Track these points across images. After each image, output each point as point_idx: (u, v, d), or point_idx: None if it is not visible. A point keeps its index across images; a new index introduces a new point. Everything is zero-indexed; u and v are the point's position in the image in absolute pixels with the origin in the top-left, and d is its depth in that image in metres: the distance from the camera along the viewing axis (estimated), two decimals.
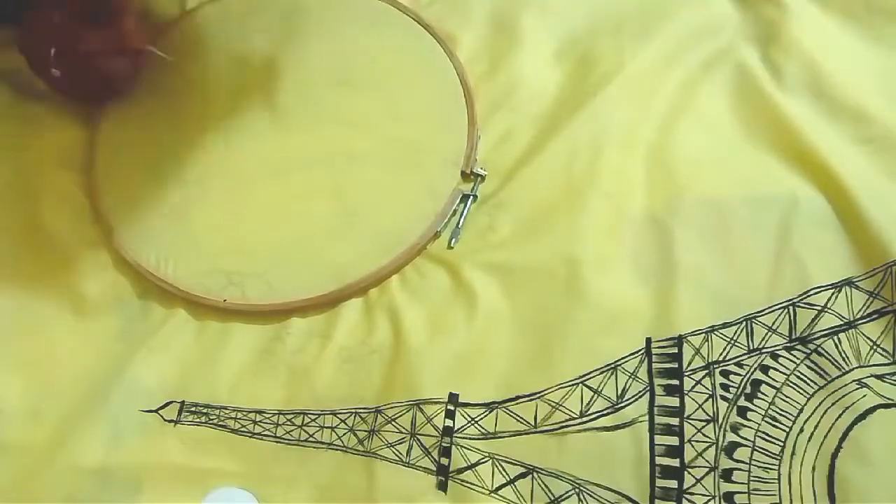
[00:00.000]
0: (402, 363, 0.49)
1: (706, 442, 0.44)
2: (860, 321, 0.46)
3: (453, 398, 0.47)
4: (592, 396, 0.46)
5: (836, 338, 0.45)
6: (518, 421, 0.46)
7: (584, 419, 0.45)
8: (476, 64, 0.61)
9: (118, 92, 0.61)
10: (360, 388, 0.49)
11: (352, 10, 0.65)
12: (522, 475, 0.45)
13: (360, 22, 0.64)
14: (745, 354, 0.46)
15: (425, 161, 0.57)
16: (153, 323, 0.53)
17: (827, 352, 0.45)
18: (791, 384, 0.45)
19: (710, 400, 0.45)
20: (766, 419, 0.44)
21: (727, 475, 0.43)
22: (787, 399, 0.44)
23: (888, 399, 0.43)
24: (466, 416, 0.47)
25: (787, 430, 0.43)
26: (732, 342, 0.46)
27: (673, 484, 0.43)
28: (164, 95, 0.63)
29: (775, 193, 0.51)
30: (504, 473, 0.45)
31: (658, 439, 0.44)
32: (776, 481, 0.42)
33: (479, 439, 0.46)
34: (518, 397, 0.47)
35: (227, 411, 0.50)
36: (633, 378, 0.46)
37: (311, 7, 0.66)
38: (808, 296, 0.47)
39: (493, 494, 0.45)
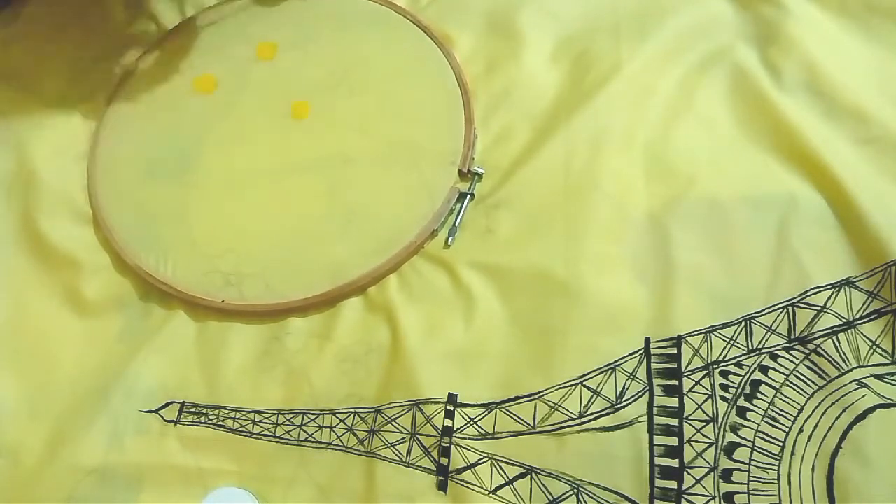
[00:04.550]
0: (401, 363, 0.49)
1: (705, 442, 0.44)
2: (859, 321, 0.45)
3: (452, 398, 0.47)
4: (591, 397, 0.46)
5: (835, 338, 0.45)
6: (517, 421, 0.46)
7: (583, 419, 0.45)
8: (473, 64, 0.61)
9: None
10: (360, 388, 0.49)
11: (349, 12, 0.65)
12: (521, 475, 0.45)
13: (357, 24, 0.64)
14: (744, 355, 0.46)
15: (422, 160, 0.57)
16: (153, 324, 0.53)
17: (826, 352, 0.45)
18: (790, 384, 0.45)
19: (710, 400, 0.45)
20: (766, 419, 0.44)
21: (727, 475, 0.43)
22: (787, 399, 0.44)
23: (887, 399, 0.43)
24: (465, 416, 0.47)
25: (787, 430, 0.43)
26: (731, 342, 0.46)
27: (672, 484, 0.43)
28: (163, 99, 0.63)
29: (774, 193, 0.51)
30: (503, 474, 0.45)
31: (657, 440, 0.44)
32: (776, 481, 0.42)
33: (477, 439, 0.46)
34: (517, 398, 0.47)
35: (226, 411, 0.50)
36: (632, 378, 0.46)
37: (308, 10, 0.66)
38: (808, 296, 0.47)
39: (492, 495, 0.45)
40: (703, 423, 0.44)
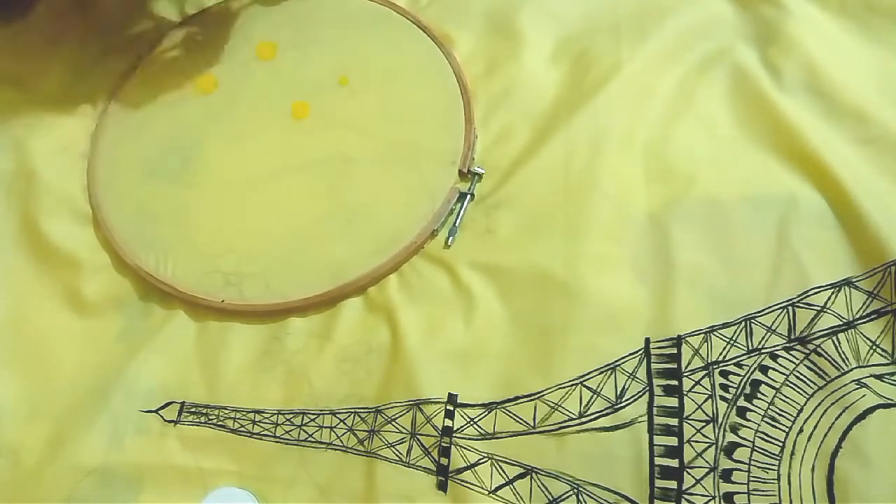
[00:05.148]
0: (401, 363, 0.49)
1: (705, 442, 0.44)
2: (859, 321, 0.45)
3: (452, 398, 0.47)
4: (591, 397, 0.46)
5: (835, 338, 0.45)
6: (517, 421, 0.46)
7: (583, 419, 0.45)
8: (473, 65, 0.61)
9: None
10: (360, 388, 0.49)
11: (349, 12, 0.65)
12: (521, 475, 0.45)
13: (358, 24, 0.64)
14: (744, 355, 0.46)
15: (423, 160, 0.57)
16: (153, 324, 0.53)
17: (826, 352, 0.45)
18: (790, 384, 0.45)
19: (710, 400, 0.45)
20: (766, 419, 0.44)
21: (727, 475, 0.43)
22: (787, 399, 0.44)
23: (887, 399, 0.43)
24: (465, 416, 0.47)
25: (787, 430, 0.43)
26: (731, 342, 0.46)
27: (672, 484, 0.43)
28: (163, 98, 0.63)
29: (774, 193, 0.51)
30: (503, 474, 0.45)
31: (657, 440, 0.44)
32: (776, 481, 0.42)
33: (477, 439, 0.46)
34: (517, 398, 0.47)
35: (226, 411, 0.50)
36: (632, 378, 0.46)
37: (309, 11, 0.66)
38: (808, 296, 0.47)
39: (492, 495, 0.45)
40: (703, 423, 0.44)
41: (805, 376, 0.45)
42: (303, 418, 0.49)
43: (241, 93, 0.62)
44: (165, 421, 0.50)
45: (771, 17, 0.58)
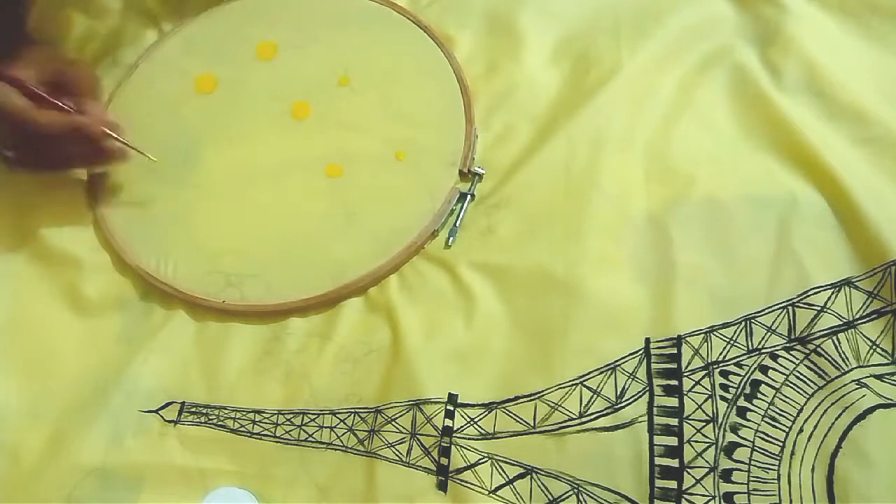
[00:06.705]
0: (401, 363, 0.49)
1: (705, 442, 0.44)
2: (859, 321, 0.45)
3: (452, 398, 0.47)
4: (591, 397, 0.46)
5: (835, 338, 0.45)
6: (517, 421, 0.46)
7: (583, 419, 0.45)
8: (474, 64, 0.61)
9: (80, 166, 0.58)
10: (360, 388, 0.49)
11: (349, 12, 0.65)
12: (521, 475, 0.45)
13: (358, 24, 0.64)
14: (744, 355, 0.46)
15: (423, 160, 0.57)
16: (153, 324, 0.53)
17: (826, 352, 0.45)
18: (790, 384, 0.45)
19: (710, 400, 0.45)
20: (766, 419, 0.44)
21: (727, 475, 0.43)
22: (787, 399, 0.44)
23: (887, 399, 0.43)
24: (465, 416, 0.47)
25: (787, 430, 0.43)
26: (731, 342, 0.46)
27: (672, 484, 0.43)
28: (163, 98, 0.63)
29: (774, 193, 0.51)
30: (503, 474, 0.45)
31: (657, 439, 0.44)
32: (776, 481, 0.42)
33: (478, 439, 0.46)
34: (517, 397, 0.47)
35: (226, 411, 0.50)
36: (632, 378, 0.46)
37: (309, 11, 0.66)
38: (808, 296, 0.47)
39: (492, 495, 0.45)
40: (703, 423, 0.44)
41: (805, 376, 0.45)
42: (303, 418, 0.49)
43: (241, 93, 0.62)
44: (165, 421, 0.50)
45: (771, 17, 0.58)
